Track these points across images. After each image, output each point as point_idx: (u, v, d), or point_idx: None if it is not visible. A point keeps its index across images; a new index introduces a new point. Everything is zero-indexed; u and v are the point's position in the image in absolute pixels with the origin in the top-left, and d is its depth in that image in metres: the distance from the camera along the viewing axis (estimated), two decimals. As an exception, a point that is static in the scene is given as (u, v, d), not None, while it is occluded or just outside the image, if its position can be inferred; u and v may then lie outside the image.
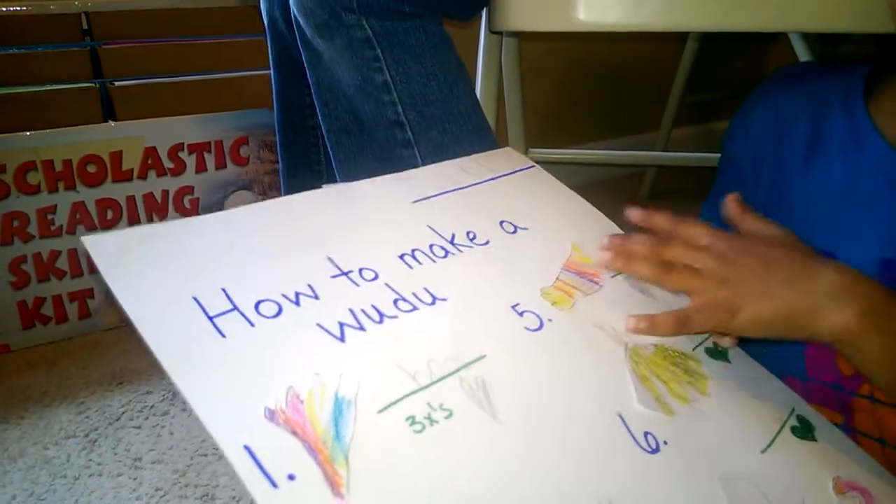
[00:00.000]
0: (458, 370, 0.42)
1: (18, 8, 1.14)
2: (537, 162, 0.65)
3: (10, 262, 1.13)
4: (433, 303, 0.46)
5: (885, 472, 0.50)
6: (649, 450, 0.44)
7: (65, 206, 1.15)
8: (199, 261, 0.43)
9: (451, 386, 0.41)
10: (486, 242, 0.53)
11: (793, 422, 0.51)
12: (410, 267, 0.48)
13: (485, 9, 0.91)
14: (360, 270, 0.46)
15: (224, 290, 0.41)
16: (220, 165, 1.27)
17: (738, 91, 0.71)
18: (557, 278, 0.53)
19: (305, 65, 0.83)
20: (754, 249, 0.51)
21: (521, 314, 0.48)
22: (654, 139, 1.88)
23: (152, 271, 0.41)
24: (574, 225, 0.59)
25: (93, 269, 1.15)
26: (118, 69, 1.20)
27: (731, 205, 0.56)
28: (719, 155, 0.74)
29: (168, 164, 1.22)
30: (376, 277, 0.46)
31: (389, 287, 0.46)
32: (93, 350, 1.19)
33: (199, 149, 1.24)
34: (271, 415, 0.36)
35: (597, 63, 1.91)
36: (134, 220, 1.21)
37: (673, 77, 1.79)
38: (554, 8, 0.82)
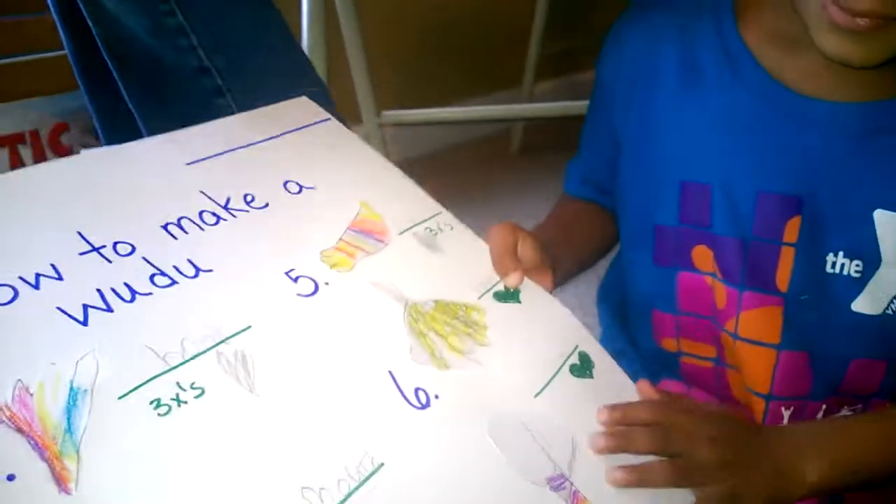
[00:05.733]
0: (215, 345, 0.41)
1: None
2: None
3: None
4: (196, 275, 0.45)
5: None
6: (419, 405, 0.45)
7: None
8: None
9: (207, 363, 0.40)
10: (265, 206, 0.52)
11: (573, 359, 0.53)
12: (174, 237, 0.46)
13: None
14: (115, 244, 0.44)
15: None
16: (40, 157, 1.13)
17: (601, 38, 0.69)
18: (340, 238, 0.52)
19: (89, 21, 0.75)
20: (716, 427, 0.50)
21: (294, 280, 0.48)
22: (519, 94, 1.84)
23: None
24: (367, 181, 0.58)
25: None
26: None
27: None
28: (585, 102, 0.70)
29: (-26, 164, 1.08)
30: (133, 252, 0.44)
31: (147, 261, 0.44)
32: None
33: (10, 142, 1.10)
34: (-7, 413, 0.34)
35: (449, 17, 1.84)
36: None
37: (531, 26, 1.74)
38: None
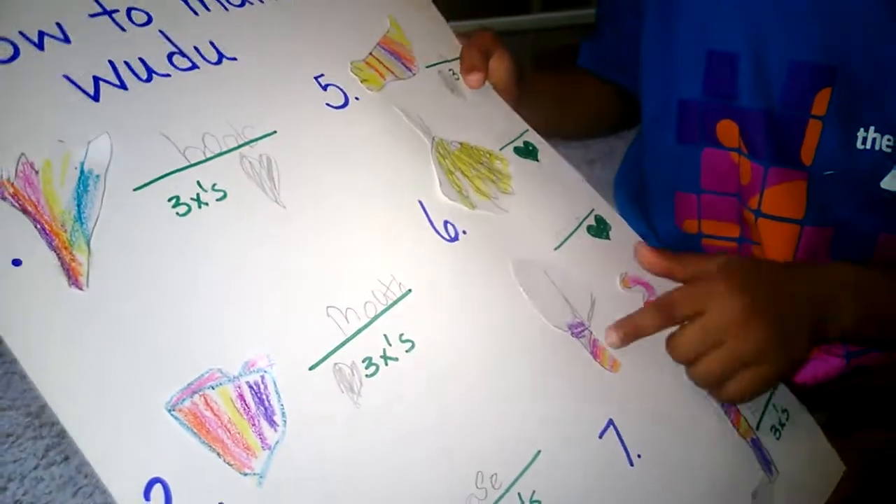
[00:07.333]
0: (239, 147, 0.37)
1: None
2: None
3: None
4: (219, 61, 0.39)
5: None
6: (448, 238, 0.42)
7: None
8: None
9: (229, 164, 0.36)
10: None
11: (590, 221, 0.51)
12: (196, 13, 0.40)
13: None
14: (129, 11, 0.38)
15: None
16: None
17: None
18: (371, 53, 0.47)
19: None
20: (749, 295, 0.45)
21: (324, 87, 0.43)
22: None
23: None
24: (399, 3, 0.52)
25: None
26: None
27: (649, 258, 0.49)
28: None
29: None
30: (149, 21, 0.38)
31: (165, 36, 0.38)
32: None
33: None
34: (-6, 186, 0.30)
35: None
36: None
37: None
38: None
